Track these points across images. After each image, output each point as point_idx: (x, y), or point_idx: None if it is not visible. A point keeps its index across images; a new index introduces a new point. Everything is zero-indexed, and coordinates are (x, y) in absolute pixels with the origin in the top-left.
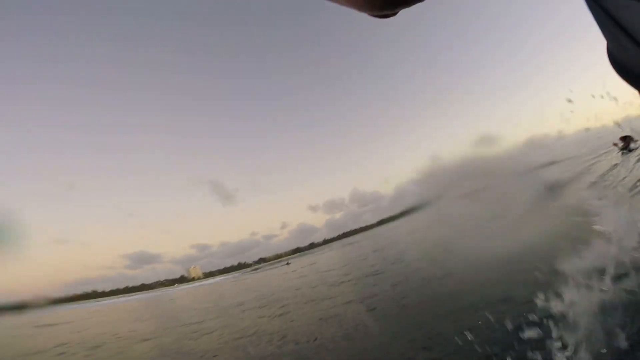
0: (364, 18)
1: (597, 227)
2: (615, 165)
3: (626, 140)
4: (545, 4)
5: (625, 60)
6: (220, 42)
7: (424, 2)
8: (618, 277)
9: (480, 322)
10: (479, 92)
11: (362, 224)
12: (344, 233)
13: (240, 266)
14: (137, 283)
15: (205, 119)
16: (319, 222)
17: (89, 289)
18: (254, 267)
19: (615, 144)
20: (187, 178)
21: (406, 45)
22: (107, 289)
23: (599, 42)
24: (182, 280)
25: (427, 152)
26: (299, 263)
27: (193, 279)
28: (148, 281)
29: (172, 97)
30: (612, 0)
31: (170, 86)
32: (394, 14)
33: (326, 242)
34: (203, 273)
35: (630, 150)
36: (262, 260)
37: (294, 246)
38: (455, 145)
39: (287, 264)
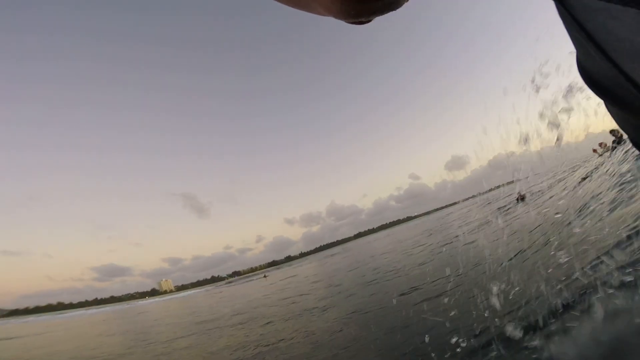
0: (347, 28)
1: None
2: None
3: (615, 134)
4: (513, 26)
5: (592, 70)
6: (198, 56)
7: (397, 11)
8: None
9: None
10: (452, 116)
11: (340, 237)
12: (321, 246)
13: (214, 279)
14: (107, 295)
15: (179, 133)
16: (296, 235)
17: (53, 300)
18: (227, 281)
19: (595, 150)
20: (160, 191)
21: (385, 70)
22: (75, 301)
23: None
24: (154, 293)
25: (406, 170)
26: (276, 276)
27: (165, 292)
28: (118, 294)
29: (146, 110)
30: (582, 8)
31: (143, 100)
32: (369, 21)
33: (303, 254)
34: (175, 286)
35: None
36: (236, 274)
37: (270, 259)
38: (431, 164)
39: (265, 276)
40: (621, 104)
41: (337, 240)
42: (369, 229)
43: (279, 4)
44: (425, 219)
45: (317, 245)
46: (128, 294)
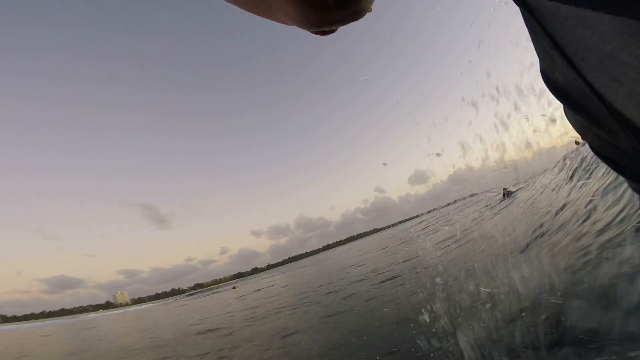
0: (316, 45)
1: None
2: None
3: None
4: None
5: (558, 80)
6: (163, 52)
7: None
8: None
9: None
10: (415, 132)
11: (308, 249)
12: (289, 258)
13: (174, 292)
14: (57, 308)
15: (138, 141)
16: (263, 247)
17: None
18: (189, 293)
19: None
20: (117, 201)
21: (355, 88)
22: (20, 314)
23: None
24: (108, 306)
25: (372, 184)
26: (247, 287)
27: (120, 305)
28: (70, 306)
29: (108, 111)
30: (551, 17)
31: (99, 98)
32: (332, 32)
33: (270, 266)
34: (132, 299)
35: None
36: (198, 286)
37: (235, 271)
38: (395, 178)
39: (234, 287)
40: (584, 114)
41: (306, 252)
42: (337, 241)
43: (248, 19)
44: (390, 231)
45: (285, 258)
46: (80, 307)
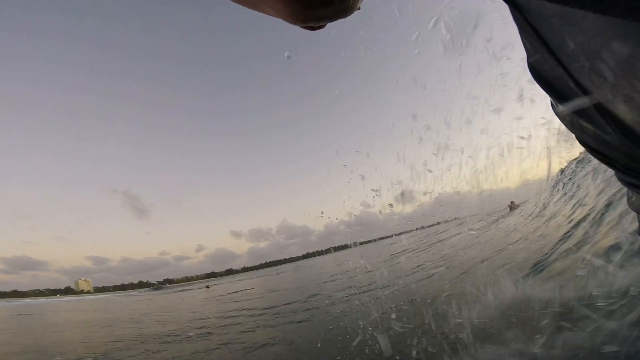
0: (326, 41)
1: None
2: None
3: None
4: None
5: (546, 73)
6: (148, 43)
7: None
8: None
9: None
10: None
11: (288, 255)
12: (267, 262)
13: (142, 285)
14: (9, 289)
15: (130, 132)
16: (241, 249)
17: None
18: (155, 287)
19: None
20: (99, 186)
21: (358, 95)
22: None
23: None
24: (68, 292)
25: (360, 197)
26: (223, 287)
27: (82, 292)
28: (24, 288)
29: (96, 96)
30: (537, 14)
31: (91, 86)
32: (321, 27)
33: (246, 269)
34: (95, 287)
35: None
36: (168, 281)
37: (209, 270)
38: (383, 195)
39: (207, 287)
40: (576, 111)
41: (285, 259)
42: (317, 250)
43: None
44: (370, 246)
45: (263, 262)
46: (36, 290)
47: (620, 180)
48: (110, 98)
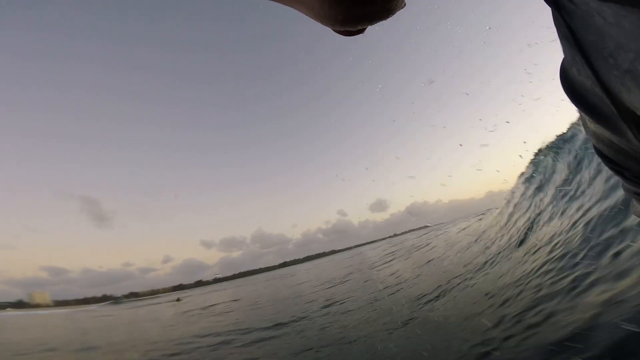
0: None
1: None
2: None
3: None
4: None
5: (573, 76)
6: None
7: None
8: None
9: None
10: (379, 159)
11: (263, 265)
12: (240, 272)
13: (106, 298)
14: None
15: (84, 128)
16: (212, 260)
17: None
18: (110, 302)
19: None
20: (54, 189)
21: (327, 104)
22: None
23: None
24: (21, 305)
25: (336, 205)
26: (196, 300)
27: (38, 306)
28: None
29: (56, 93)
30: (580, 12)
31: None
32: (359, 32)
33: (218, 280)
34: (54, 301)
35: None
36: (133, 295)
37: (177, 282)
38: (358, 203)
39: (178, 300)
40: (594, 115)
41: (260, 268)
42: (294, 259)
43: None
44: (347, 253)
45: (236, 272)
46: None
47: (627, 190)
48: (60, 88)
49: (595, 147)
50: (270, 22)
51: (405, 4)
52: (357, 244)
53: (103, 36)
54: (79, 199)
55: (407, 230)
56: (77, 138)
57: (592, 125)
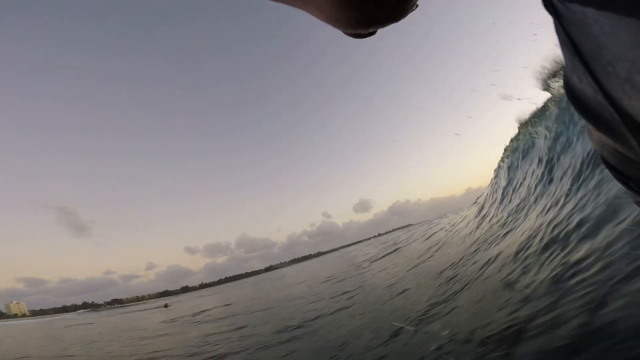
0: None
1: None
2: None
3: None
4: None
5: (575, 84)
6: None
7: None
8: None
9: None
10: (365, 161)
11: (249, 270)
12: (226, 277)
13: (86, 306)
14: None
15: (62, 135)
16: (197, 265)
17: None
18: (88, 310)
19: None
20: (28, 200)
21: (310, 108)
22: None
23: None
24: None
25: (320, 208)
26: (185, 305)
27: (14, 316)
28: None
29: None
30: (578, 23)
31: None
32: (370, 34)
33: (203, 286)
34: (31, 310)
35: None
36: (116, 302)
37: (162, 289)
38: (341, 205)
39: (165, 306)
40: (597, 123)
41: (246, 273)
42: (280, 262)
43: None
44: (333, 255)
45: (222, 277)
46: None
47: (633, 199)
48: (34, 95)
49: (601, 156)
50: (225, 34)
51: (417, 6)
52: (342, 245)
53: (74, 45)
54: (55, 209)
55: (390, 229)
56: (52, 149)
57: (596, 133)
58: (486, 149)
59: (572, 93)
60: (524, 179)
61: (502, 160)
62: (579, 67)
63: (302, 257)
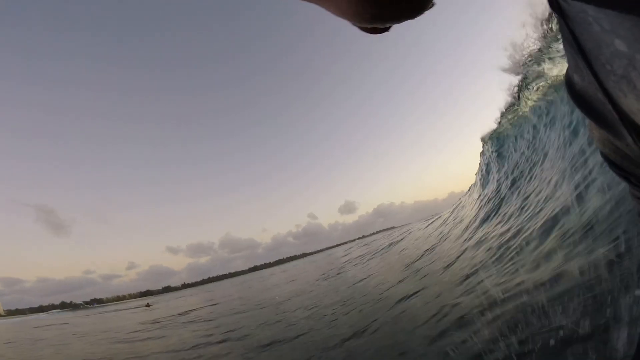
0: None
1: None
2: None
3: None
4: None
5: (576, 82)
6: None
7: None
8: None
9: None
10: (352, 161)
11: (232, 270)
12: (209, 278)
13: (65, 305)
14: None
15: (42, 135)
16: (179, 265)
17: None
18: (66, 310)
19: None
20: (7, 198)
21: (299, 111)
22: None
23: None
24: None
25: (306, 209)
26: (169, 306)
27: None
28: None
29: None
30: (579, 19)
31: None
32: (385, 30)
33: (186, 286)
34: (5, 310)
35: None
36: (96, 301)
37: (144, 288)
38: (327, 206)
39: (147, 305)
40: (598, 120)
41: (230, 273)
42: (265, 263)
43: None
44: (318, 256)
45: (205, 277)
46: None
47: (633, 196)
48: (12, 100)
49: (601, 153)
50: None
51: (434, 3)
52: (328, 246)
53: (47, 53)
54: (33, 207)
55: (374, 231)
56: (31, 147)
57: (597, 130)
58: (471, 154)
59: (573, 91)
60: (497, 189)
61: (479, 168)
62: (581, 65)
63: (287, 257)
